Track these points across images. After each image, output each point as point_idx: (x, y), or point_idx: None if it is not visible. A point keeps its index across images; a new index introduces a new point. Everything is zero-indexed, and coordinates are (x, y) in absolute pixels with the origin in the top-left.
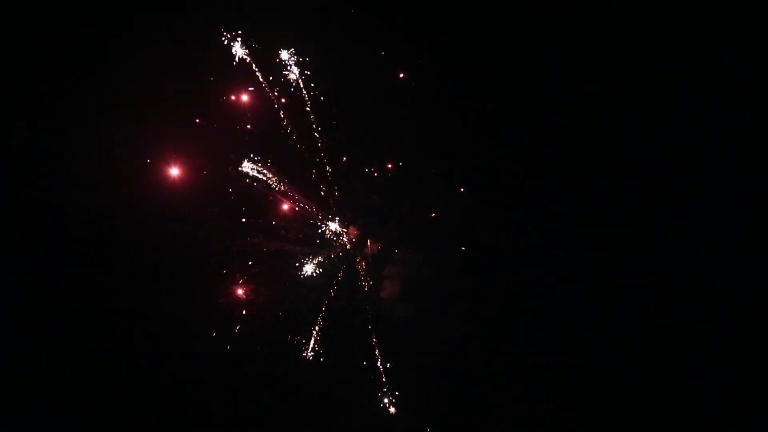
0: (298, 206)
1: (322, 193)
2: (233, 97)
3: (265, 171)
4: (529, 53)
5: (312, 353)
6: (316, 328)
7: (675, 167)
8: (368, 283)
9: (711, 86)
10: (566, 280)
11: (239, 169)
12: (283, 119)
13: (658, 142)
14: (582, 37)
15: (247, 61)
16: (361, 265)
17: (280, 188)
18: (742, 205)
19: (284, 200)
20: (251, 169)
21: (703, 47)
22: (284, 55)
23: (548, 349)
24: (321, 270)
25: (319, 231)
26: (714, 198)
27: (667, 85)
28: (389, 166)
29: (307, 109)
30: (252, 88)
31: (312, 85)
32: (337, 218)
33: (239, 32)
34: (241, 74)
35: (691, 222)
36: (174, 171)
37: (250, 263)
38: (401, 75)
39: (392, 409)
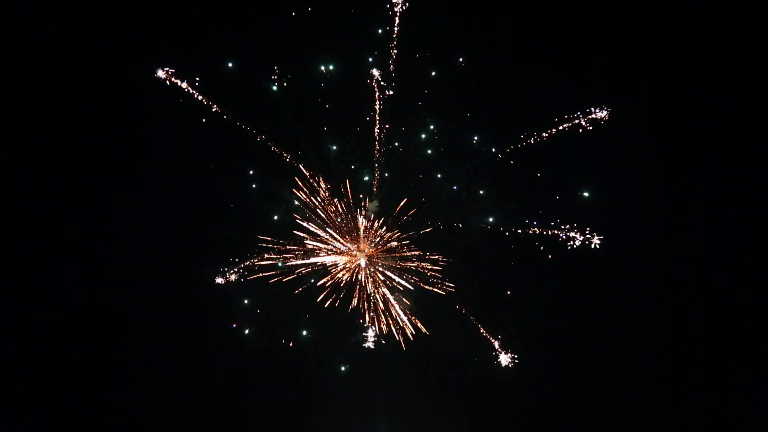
0: (314, 227)
1: (336, 212)
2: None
3: (282, 194)
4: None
5: (322, 367)
6: (327, 343)
7: None
8: (379, 298)
9: None
10: (569, 286)
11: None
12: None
13: None
14: None
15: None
16: (372, 281)
17: (297, 213)
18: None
19: (301, 223)
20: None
21: None
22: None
23: (555, 356)
24: (333, 288)
25: (333, 250)
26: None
27: None
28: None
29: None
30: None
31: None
32: (350, 237)
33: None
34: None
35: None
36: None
37: (264, 281)
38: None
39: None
